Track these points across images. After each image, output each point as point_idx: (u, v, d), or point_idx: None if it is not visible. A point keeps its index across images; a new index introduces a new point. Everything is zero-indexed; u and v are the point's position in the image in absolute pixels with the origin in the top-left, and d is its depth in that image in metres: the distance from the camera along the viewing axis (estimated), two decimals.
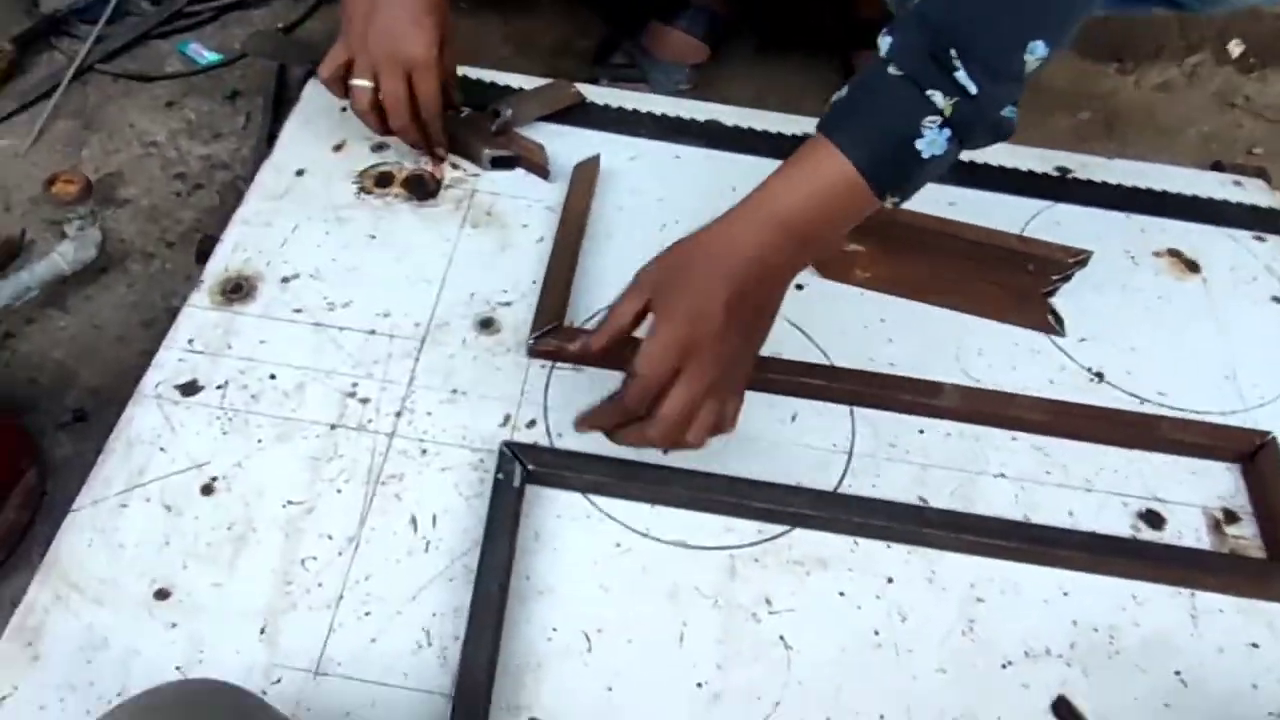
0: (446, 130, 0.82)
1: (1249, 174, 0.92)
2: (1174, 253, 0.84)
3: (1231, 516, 0.67)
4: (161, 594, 0.60)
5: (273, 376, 0.70)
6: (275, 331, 0.72)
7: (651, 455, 0.66)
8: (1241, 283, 0.82)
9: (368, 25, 0.75)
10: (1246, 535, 0.66)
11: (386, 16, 0.75)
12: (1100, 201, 0.87)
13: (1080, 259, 0.79)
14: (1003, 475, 0.68)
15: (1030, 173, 0.88)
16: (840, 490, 0.66)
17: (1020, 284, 0.78)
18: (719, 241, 0.59)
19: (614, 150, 0.86)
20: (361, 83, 0.77)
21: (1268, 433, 0.70)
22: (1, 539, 0.69)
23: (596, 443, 0.67)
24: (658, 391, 0.56)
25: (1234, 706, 0.59)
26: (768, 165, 0.85)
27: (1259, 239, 0.85)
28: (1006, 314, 0.77)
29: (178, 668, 0.57)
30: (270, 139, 0.90)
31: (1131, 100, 1.04)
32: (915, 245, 0.79)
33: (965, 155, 0.86)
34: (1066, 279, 0.79)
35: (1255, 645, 0.61)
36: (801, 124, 0.90)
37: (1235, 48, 1.06)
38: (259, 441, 0.66)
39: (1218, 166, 0.95)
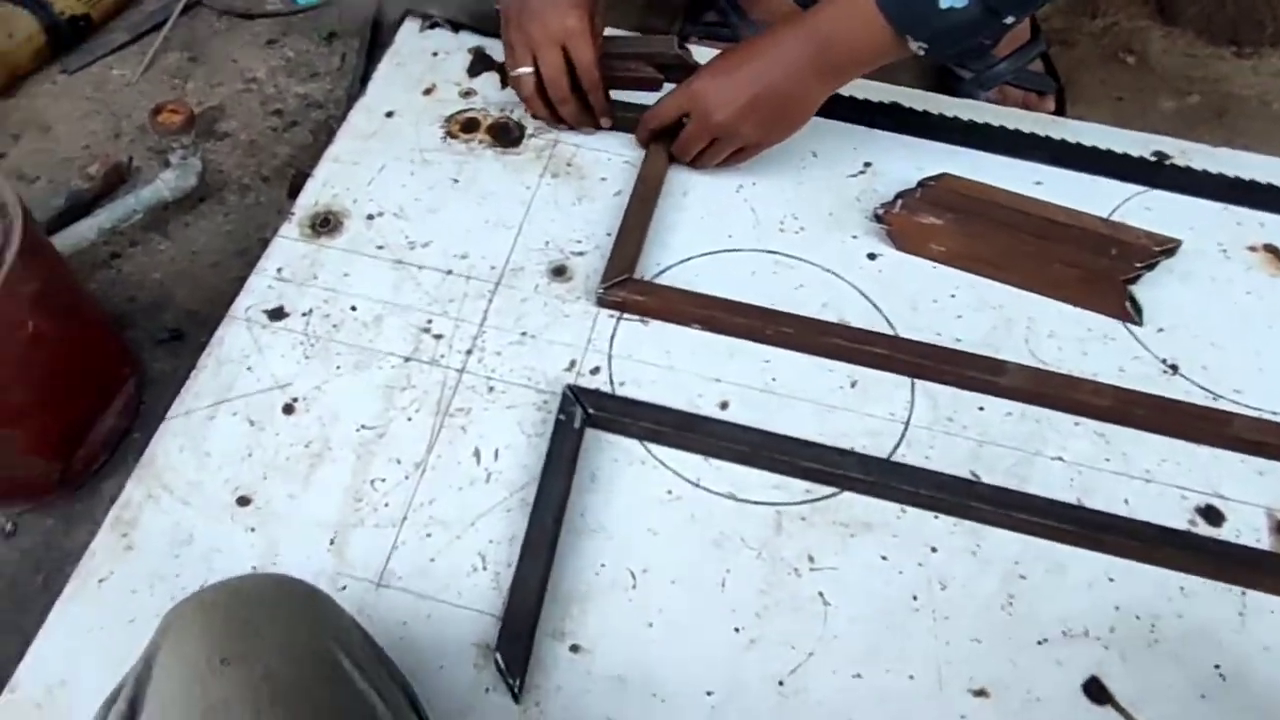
0: (609, 99, 0.86)
1: None
2: (1270, 248, 0.84)
3: None
4: (243, 500, 0.67)
5: (353, 308, 0.76)
6: (358, 265, 0.79)
7: (708, 410, 0.71)
8: None
9: (521, 10, 0.80)
10: None
11: None
12: (1196, 190, 0.87)
13: (1167, 248, 0.80)
14: (1060, 459, 0.71)
15: (1125, 155, 0.89)
16: (893, 458, 0.70)
17: (1101, 269, 0.80)
18: (760, 49, 0.76)
19: None
20: (522, 70, 0.82)
21: None
22: (103, 442, 0.78)
23: (657, 393, 0.72)
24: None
25: (1273, 704, 0.61)
26: (847, 129, 0.89)
27: None
28: (1083, 299, 0.79)
29: (254, 568, 0.64)
30: (363, 80, 0.96)
31: (1247, 86, 1.03)
32: (995, 221, 0.81)
33: (1060, 131, 0.88)
34: (1150, 267, 0.80)
35: None
36: (885, 91, 0.92)
37: None
38: (337, 368, 0.73)
39: None
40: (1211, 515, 0.69)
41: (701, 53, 0.94)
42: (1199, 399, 0.74)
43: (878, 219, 0.82)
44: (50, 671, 0.60)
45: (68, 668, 0.60)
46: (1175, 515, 0.69)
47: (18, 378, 0.69)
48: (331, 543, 0.65)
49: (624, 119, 0.88)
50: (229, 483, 0.68)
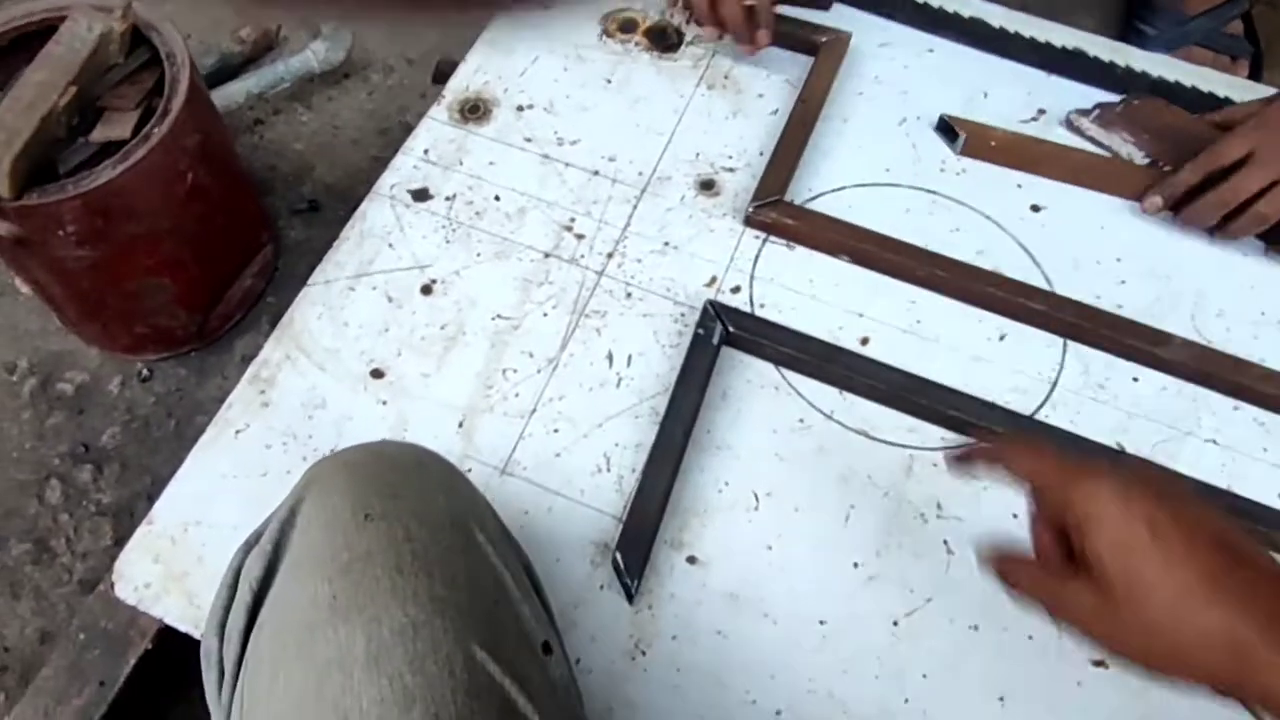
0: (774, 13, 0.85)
1: None
2: None
3: None
4: (377, 373, 0.71)
5: (497, 198, 0.79)
6: (505, 155, 0.81)
7: (850, 344, 0.72)
8: None
9: None
10: None
11: None
12: None
13: None
14: (1214, 441, 0.70)
15: None
16: (1036, 417, 0.70)
17: None
18: None
19: (866, 31, 0.89)
20: None
21: None
22: (239, 300, 0.83)
23: (797, 320, 0.73)
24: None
25: None
26: (1023, 72, 0.88)
27: None
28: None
29: (384, 439, 0.68)
30: None
31: None
32: (1194, 153, 0.79)
33: (1248, 95, 0.85)
34: None
35: None
36: (1069, 35, 0.90)
37: None
38: (478, 255, 0.76)
39: None
40: None
41: None
42: None
43: (1069, 125, 0.81)
44: (186, 510, 0.65)
45: (203, 508, 0.65)
46: None
47: (174, 229, 0.73)
48: (460, 425, 0.69)
49: (789, 35, 0.87)
50: (364, 354, 0.71)
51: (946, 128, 0.84)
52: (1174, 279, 0.77)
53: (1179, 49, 0.99)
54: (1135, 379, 0.72)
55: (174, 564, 0.63)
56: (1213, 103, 0.86)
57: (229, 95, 0.92)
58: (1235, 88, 0.88)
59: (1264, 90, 0.89)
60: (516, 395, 0.70)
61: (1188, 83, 0.87)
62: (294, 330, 0.73)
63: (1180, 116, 0.83)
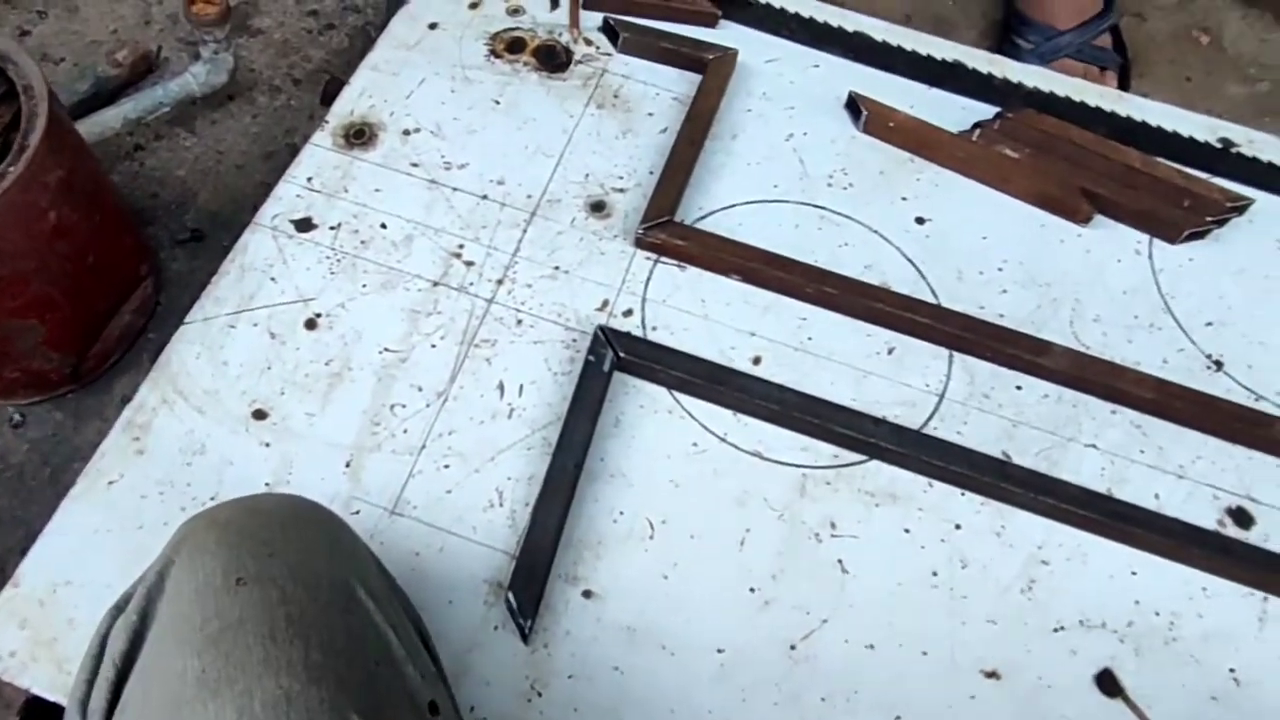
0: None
1: None
2: None
3: None
4: (259, 414, 0.66)
5: (383, 225, 0.74)
6: (391, 182, 0.77)
7: (742, 364, 0.70)
8: None
9: None
10: None
11: None
12: (1260, 182, 0.84)
13: (1239, 205, 0.79)
14: (1094, 446, 0.69)
15: (1190, 139, 0.86)
16: (925, 431, 0.68)
17: (1172, 218, 0.79)
18: None
19: (753, 48, 0.87)
20: None
21: None
22: (117, 338, 0.77)
23: (689, 342, 0.70)
24: None
25: None
26: (907, 85, 0.86)
27: None
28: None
29: (267, 484, 0.63)
30: None
31: None
32: (1073, 160, 0.80)
33: (1125, 108, 0.86)
34: (1221, 222, 0.79)
35: None
36: (949, 49, 0.89)
37: None
38: (364, 286, 0.71)
39: None
40: (1241, 517, 0.68)
41: None
42: (1240, 398, 0.73)
43: None
44: (55, 570, 0.60)
45: (73, 567, 0.60)
46: (1205, 514, 0.67)
47: (40, 269, 0.67)
48: (347, 465, 0.64)
49: (677, 53, 0.84)
50: (245, 395, 0.67)
51: (853, 104, 0.83)
52: (1053, 286, 0.76)
53: (1052, 60, 0.99)
54: (1019, 387, 0.71)
55: (42, 629, 0.58)
56: (1084, 112, 0.86)
57: (105, 122, 0.86)
58: (1106, 98, 0.88)
59: (1132, 99, 0.89)
60: (405, 431, 0.66)
61: (1061, 93, 0.87)
62: (171, 372, 0.67)
63: (1058, 126, 0.82)
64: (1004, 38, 1.04)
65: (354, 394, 0.67)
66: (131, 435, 0.65)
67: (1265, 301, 0.78)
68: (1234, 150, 0.86)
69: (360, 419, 0.66)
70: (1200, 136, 0.87)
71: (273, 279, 0.71)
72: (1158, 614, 0.63)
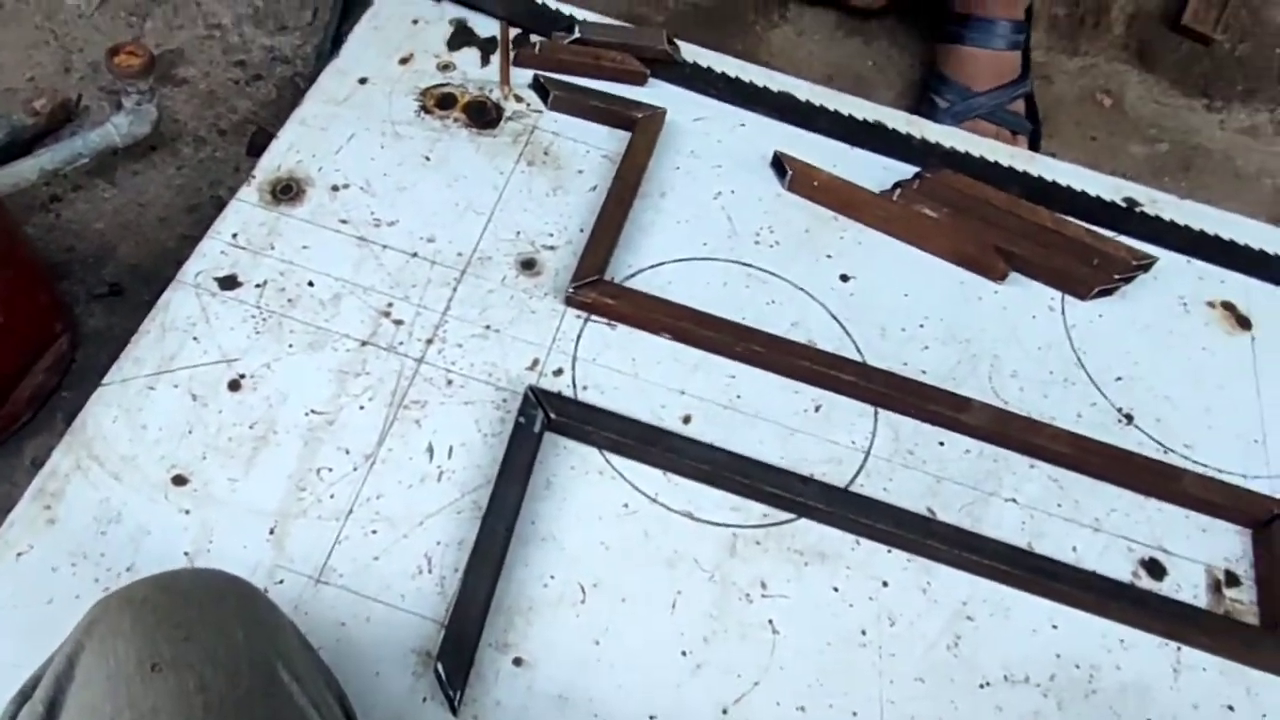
0: None
1: None
2: (1228, 305, 0.85)
3: (1233, 579, 0.70)
4: (179, 480, 0.63)
5: (311, 284, 0.73)
6: (319, 239, 0.75)
7: (670, 423, 0.70)
8: None
9: None
10: (1244, 600, 0.69)
11: None
12: (1162, 240, 0.88)
13: (1145, 263, 0.83)
14: (1014, 500, 0.71)
15: (1097, 198, 0.89)
16: (851, 488, 0.69)
17: (1082, 276, 0.82)
18: None
19: (681, 106, 0.88)
20: None
21: None
22: (29, 399, 0.73)
23: (619, 403, 0.70)
24: None
25: None
26: (829, 145, 0.88)
27: None
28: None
29: (186, 553, 0.61)
30: (336, 40, 0.92)
31: (1214, 140, 1.04)
32: (989, 220, 0.83)
33: (1036, 168, 0.89)
34: (1128, 280, 0.83)
35: (1231, 708, 0.64)
36: (869, 109, 0.91)
37: None
38: (290, 346, 0.70)
39: None
40: (1154, 569, 0.70)
41: (689, 50, 0.92)
42: (1151, 451, 0.75)
43: None
44: None
45: None
46: (1120, 566, 0.69)
47: None
48: (271, 532, 0.62)
49: (606, 111, 0.85)
50: (165, 460, 0.64)
51: (778, 163, 0.84)
52: (972, 343, 0.78)
53: (966, 120, 1.02)
54: (941, 443, 0.72)
55: None
56: (998, 172, 0.88)
57: (19, 173, 0.82)
58: (1018, 158, 0.90)
59: (1042, 160, 0.92)
60: (332, 496, 0.64)
61: (976, 153, 0.90)
62: (86, 436, 0.64)
63: (973, 186, 0.85)
64: (922, 96, 1.07)
65: (279, 458, 0.65)
66: (42, 504, 0.62)
67: (1170, 357, 0.81)
68: (1138, 209, 0.90)
69: (285, 484, 0.64)
70: (1107, 196, 0.90)
71: (195, 338, 0.69)
72: (1078, 667, 0.65)
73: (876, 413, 0.73)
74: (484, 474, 0.66)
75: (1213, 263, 0.87)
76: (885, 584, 0.66)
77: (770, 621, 0.63)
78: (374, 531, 0.63)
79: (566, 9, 0.93)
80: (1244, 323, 0.84)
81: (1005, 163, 0.90)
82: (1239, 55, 1.05)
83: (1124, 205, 0.90)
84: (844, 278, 0.80)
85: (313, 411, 0.67)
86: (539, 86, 0.86)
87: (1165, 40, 1.09)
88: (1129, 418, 0.77)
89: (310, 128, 0.81)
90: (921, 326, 0.78)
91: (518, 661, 0.59)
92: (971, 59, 1.05)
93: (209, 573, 0.51)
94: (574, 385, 0.71)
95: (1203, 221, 0.90)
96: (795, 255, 0.80)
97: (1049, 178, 0.89)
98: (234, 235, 0.74)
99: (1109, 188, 0.91)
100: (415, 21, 0.90)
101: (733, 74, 0.91)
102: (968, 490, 0.70)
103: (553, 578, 0.63)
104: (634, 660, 0.60)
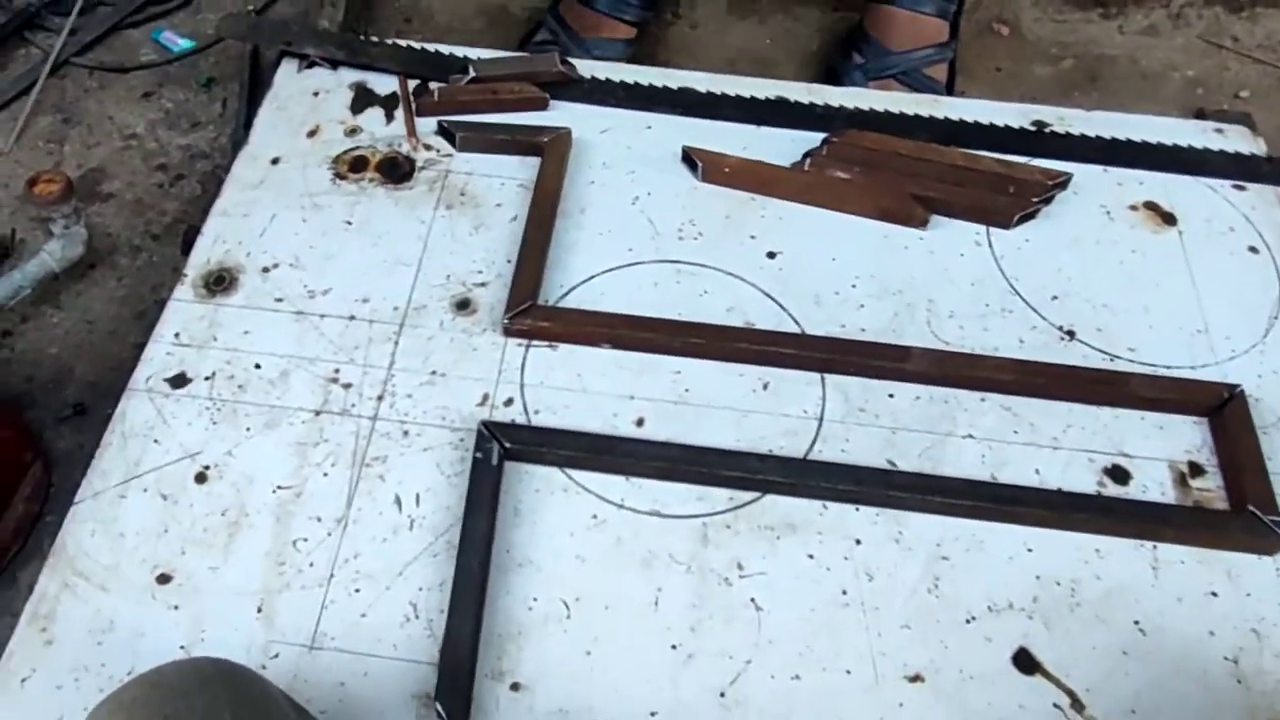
0: None
1: (1232, 120, 0.94)
2: (1150, 205, 0.86)
3: (1197, 470, 0.71)
4: (163, 578, 0.65)
5: (258, 366, 0.75)
6: (258, 321, 0.77)
7: (625, 429, 0.71)
8: (1217, 234, 0.84)
9: None
10: (1211, 488, 0.70)
11: None
12: (1076, 155, 0.89)
13: (1060, 181, 0.85)
14: (970, 436, 0.72)
15: (1006, 127, 0.91)
16: (810, 456, 0.70)
17: (1001, 206, 0.83)
18: None
19: (586, 122, 0.90)
20: None
21: (1236, 385, 0.73)
22: (14, 530, 0.75)
23: (571, 419, 0.71)
24: None
25: (1190, 653, 0.63)
26: (737, 129, 0.90)
27: (1239, 188, 0.88)
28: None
29: (182, 647, 0.62)
30: (247, 125, 0.94)
31: (1116, 46, 1.06)
32: (901, 170, 0.85)
33: (942, 110, 0.90)
34: (1047, 201, 0.84)
35: (1214, 594, 0.65)
36: (770, 86, 0.92)
37: None
38: (247, 430, 0.71)
39: (1201, 114, 0.96)
40: (1118, 475, 0.71)
41: (586, 66, 0.94)
42: (1097, 362, 0.76)
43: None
44: None
45: None
46: (1085, 479, 0.70)
47: None
48: (259, 611, 0.64)
49: (513, 142, 0.87)
50: (146, 562, 0.66)
51: (688, 158, 0.86)
52: (905, 292, 0.80)
53: (878, 79, 1.03)
54: (891, 395, 0.74)
55: None
56: (905, 123, 0.90)
57: None
58: (923, 105, 0.92)
59: (947, 101, 0.93)
60: (311, 565, 0.66)
61: (881, 109, 0.91)
62: (68, 555, 0.66)
63: (881, 141, 0.86)
64: (846, 53, 1.06)
65: (254, 538, 0.67)
66: (38, 628, 0.63)
67: (1101, 266, 0.82)
68: (1047, 130, 0.91)
69: (265, 562, 0.66)
70: (1015, 124, 0.92)
71: (156, 440, 0.71)
72: (1059, 584, 0.66)
73: (823, 379, 0.74)
74: (453, 514, 0.67)
75: (1129, 167, 0.89)
76: (858, 542, 0.67)
77: (753, 600, 0.64)
78: (357, 590, 0.65)
79: (460, 51, 0.95)
80: (1169, 219, 0.85)
81: (911, 111, 0.91)
82: None
83: (1034, 129, 0.92)
84: (770, 255, 0.81)
85: (280, 488, 0.69)
86: (445, 131, 0.88)
87: None
88: (1071, 334, 0.78)
89: (232, 216, 0.83)
90: (854, 287, 0.80)
91: (515, 686, 0.61)
92: (890, 18, 1.04)
93: (195, 661, 0.52)
94: (526, 412, 0.72)
95: (1113, 129, 0.91)
96: (720, 243, 0.82)
97: (956, 117, 0.91)
98: (176, 335, 0.76)
99: (1016, 115, 0.93)
100: (316, 93, 0.92)
101: (631, 80, 0.93)
102: (924, 436, 0.72)
103: (536, 599, 0.64)
104: (626, 663, 0.62)
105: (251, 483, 0.69)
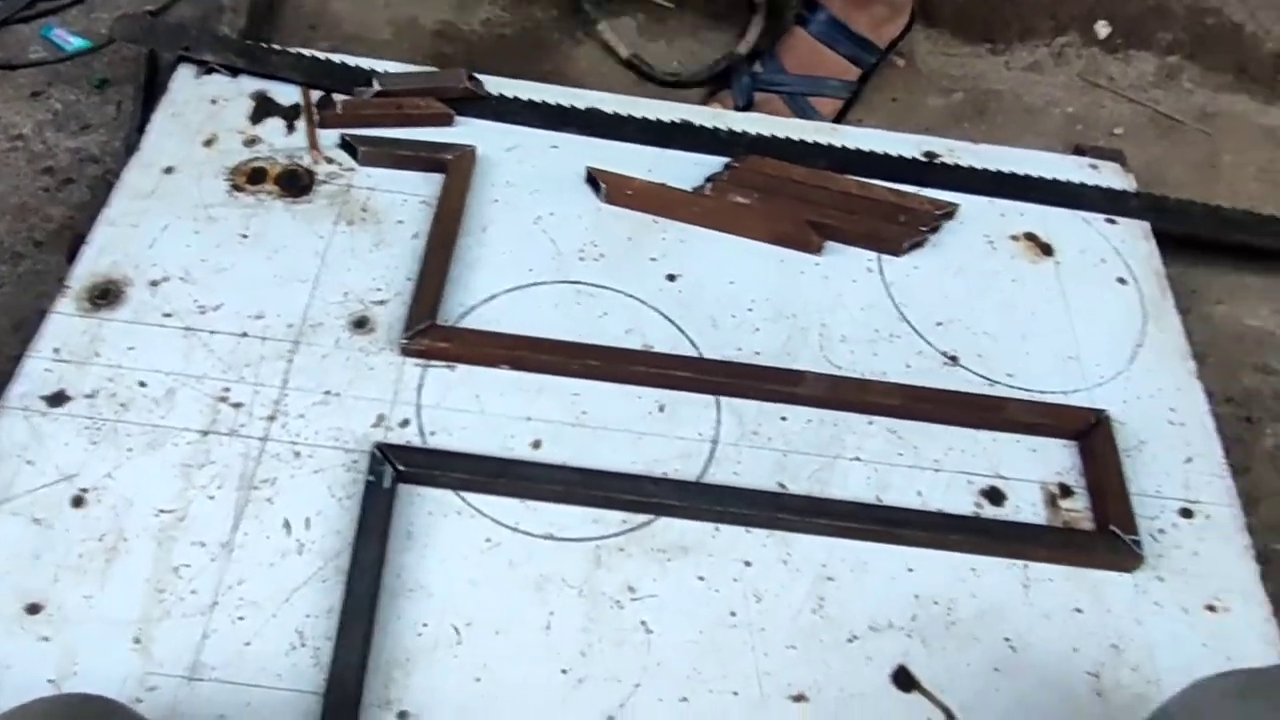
0: None
1: (1106, 157, 0.98)
2: (1030, 236, 0.89)
3: (1067, 491, 0.74)
4: (33, 608, 0.61)
5: (142, 384, 0.71)
6: (144, 337, 0.73)
7: (521, 451, 0.70)
8: (1090, 265, 0.88)
9: None
10: (1078, 508, 0.73)
11: None
12: (964, 186, 0.91)
13: (946, 211, 0.87)
14: (858, 459, 0.73)
15: (900, 157, 0.93)
16: (704, 479, 0.71)
17: (892, 234, 0.85)
18: None
19: (492, 139, 0.88)
20: None
21: (1102, 410, 0.76)
22: None
23: (468, 441, 0.70)
24: None
25: (1055, 668, 0.65)
26: (641, 151, 0.90)
27: (1110, 221, 0.91)
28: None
29: (51, 680, 0.59)
30: (141, 131, 0.89)
31: (1002, 81, 1.09)
32: (798, 196, 0.86)
33: (840, 139, 0.91)
34: (935, 230, 0.87)
35: (1079, 610, 0.68)
36: (674, 110, 0.93)
37: (1102, 28, 1.12)
38: (129, 451, 0.68)
39: (1079, 150, 1.00)
40: (994, 496, 0.73)
41: (493, 83, 0.92)
42: (977, 386, 0.78)
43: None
44: None
45: None
46: (963, 500, 0.72)
47: None
48: (136, 641, 0.61)
49: (416, 158, 0.85)
50: (15, 591, 0.62)
51: (592, 180, 0.85)
52: (799, 317, 0.81)
53: (761, 92, 1.02)
54: (783, 419, 0.75)
55: None
56: (803, 149, 0.91)
57: None
58: (821, 132, 0.94)
59: (844, 129, 0.95)
60: (193, 592, 0.63)
61: (781, 135, 0.92)
62: None
63: (780, 168, 0.87)
64: (749, 58, 1.05)
65: (133, 565, 0.63)
66: None
67: (983, 294, 0.84)
68: (937, 160, 0.94)
69: (143, 589, 0.63)
70: (908, 153, 0.94)
71: (29, 462, 0.67)
72: (936, 603, 0.67)
73: (719, 401, 0.75)
74: (344, 538, 0.65)
75: (1011, 198, 0.92)
76: (748, 564, 0.67)
77: (643, 623, 0.64)
78: (241, 618, 0.62)
79: (366, 63, 0.92)
80: (1046, 249, 0.89)
81: (810, 139, 0.93)
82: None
83: (925, 159, 0.94)
84: (670, 277, 0.81)
85: (162, 511, 0.66)
86: (347, 145, 0.85)
87: None
88: (954, 359, 0.80)
89: (120, 227, 0.79)
90: (750, 310, 0.80)
91: (402, 715, 0.59)
92: (796, 39, 1.03)
93: (65, 697, 0.50)
94: (422, 433, 0.71)
95: (998, 162, 0.94)
96: (620, 265, 0.82)
97: (852, 146, 0.93)
98: (55, 350, 0.72)
99: (910, 145, 0.95)
100: (214, 101, 0.88)
101: (538, 99, 0.92)
102: (813, 458, 0.73)
103: (425, 625, 0.63)
104: (516, 690, 0.61)
105: (131, 506, 0.66)
